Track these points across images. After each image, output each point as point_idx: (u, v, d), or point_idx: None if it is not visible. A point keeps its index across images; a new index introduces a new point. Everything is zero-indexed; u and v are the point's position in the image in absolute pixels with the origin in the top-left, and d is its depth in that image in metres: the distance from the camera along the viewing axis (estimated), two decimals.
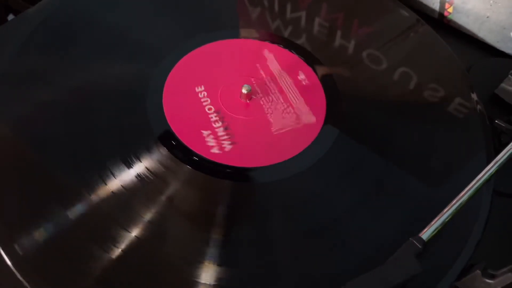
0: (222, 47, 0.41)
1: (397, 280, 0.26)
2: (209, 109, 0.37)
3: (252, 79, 0.39)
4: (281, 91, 0.38)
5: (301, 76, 0.39)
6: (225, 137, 0.35)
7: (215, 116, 0.36)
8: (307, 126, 0.36)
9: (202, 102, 0.37)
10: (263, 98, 0.38)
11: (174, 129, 0.35)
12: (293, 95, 0.38)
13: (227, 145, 0.35)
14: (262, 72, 0.39)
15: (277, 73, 0.39)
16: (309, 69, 0.40)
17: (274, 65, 0.40)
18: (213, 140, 0.35)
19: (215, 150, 0.34)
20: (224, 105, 0.37)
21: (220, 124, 0.36)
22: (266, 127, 0.36)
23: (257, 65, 0.40)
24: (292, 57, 0.40)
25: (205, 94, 0.37)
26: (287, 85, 0.39)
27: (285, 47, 0.41)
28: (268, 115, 0.37)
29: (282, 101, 0.38)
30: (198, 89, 0.38)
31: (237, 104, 0.37)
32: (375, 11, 0.45)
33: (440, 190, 0.34)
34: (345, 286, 0.26)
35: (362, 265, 0.28)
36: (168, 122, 0.35)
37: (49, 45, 0.39)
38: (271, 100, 0.38)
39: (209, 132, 0.35)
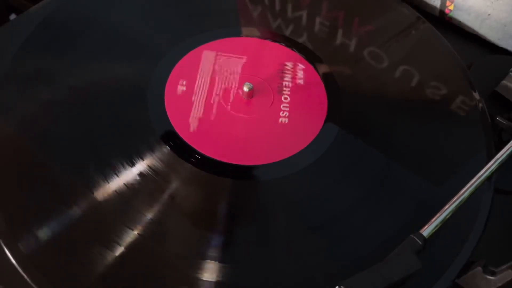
0: (223, 45, 0.41)
1: (397, 276, 0.26)
2: (211, 107, 0.37)
3: (254, 77, 0.39)
4: (283, 90, 0.38)
5: (302, 76, 0.39)
6: (226, 134, 0.35)
7: (217, 114, 0.36)
8: (307, 125, 0.36)
9: (204, 100, 0.37)
10: (264, 97, 0.38)
11: (176, 127, 0.35)
12: (294, 94, 0.38)
13: (227, 142, 0.35)
14: (264, 71, 0.39)
15: (279, 72, 0.39)
16: (311, 67, 0.40)
17: (275, 64, 0.40)
18: (214, 137, 0.35)
19: (216, 147, 0.34)
20: (225, 103, 0.37)
21: (221, 121, 0.36)
22: (267, 125, 0.36)
23: (259, 63, 0.40)
24: (294, 55, 0.41)
25: (207, 92, 0.38)
26: (288, 84, 0.39)
27: (287, 45, 0.41)
28: (269, 113, 0.37)
29: (283, 101, 0.38)
30: (199, 87, 0.38)
31: (239, 102, 0.37)
32: (376, 9, 0.45)
33: (440, 187, 0.34)
34: (345, 282, 0.26)
35: (363, 261, 0.28)
36: (170, 120, 0.36)
37: (51, 44, 0.39)
38: (272, 99, 0.38)
39: (210, 128, 0.35)
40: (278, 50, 0.41)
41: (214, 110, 0.37)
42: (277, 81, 0.39)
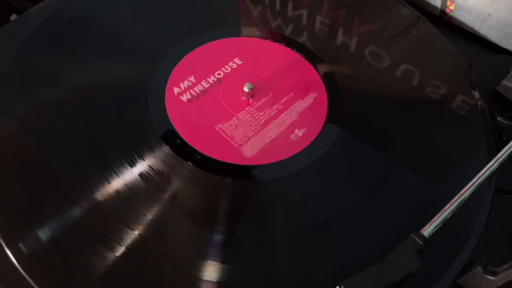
0: (223, 45, 0.41)
1: (397, 276, 0.26)
2: (211, 107, 0.37)
3: (254, 77, 0.39)
4: (282, 90, 0.38)
5: (302, 75, 0.39)
6: (227, 134, 0.35)
7: (217, 114, 0.36)
8: (306, 126, 0.36)
9: (204, 100, 0.37)
10: (264, 97, 0.38)
11: (177, 127, 0.35)
12: (294, 95, 0.38)
13: (228, 142, 0.35)
14: (264, 71, 0.39)
15: (279, 72, 0.39)
16: (311, 67, 0.40)
17: (276, 64, 0.40)
18: (214, 137, 0.35)
19: (216, 146, 0.34)
20: (226, 103, 0.37)
21: (221, 121, 0.36)
22: (268, 125, 0.36)
23: (259, 63, 0.40)
24: (294, 55, 0.41)
25: (207, 92, 0.38)
26: (288, 84, 0.39)
27: (287, 45, 0.41)
28: (269, 114, 0.37)
29: (283, 101, 0.38)
30: (200, 87, 0.38)
31: (239, 102, 0.37)
32: (376, 8, 0.45)
33: (441, 187, 0.34)
34: (345, 282, 0.26)
35: (363, 261, 0.28)
36: (171, 120, 0.36)
37: (51, 45, 0.39)
38: (272, 99, 0.38)
39: (210, 128, 0.35)
40: (278, 50, 0.41)
41: (215, 110, 0.37)
42: (280, 83, 0.39)
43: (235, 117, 0.36)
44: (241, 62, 0.40)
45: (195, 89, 0.38)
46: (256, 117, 0.37)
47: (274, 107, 0.37)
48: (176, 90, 0.37)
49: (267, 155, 0.34)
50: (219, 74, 0.39)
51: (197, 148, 0.34)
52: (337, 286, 0.26)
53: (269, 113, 0.37)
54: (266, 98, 0.38)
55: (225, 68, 0.39)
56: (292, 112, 0.37)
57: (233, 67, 0.39)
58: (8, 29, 0.40)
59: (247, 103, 0.37)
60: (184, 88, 0.38)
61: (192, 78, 0.38)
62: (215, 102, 0.37)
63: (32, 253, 0.29)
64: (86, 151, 0.34)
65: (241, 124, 0.36)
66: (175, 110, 0.36)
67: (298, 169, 0.34)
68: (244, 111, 0.37)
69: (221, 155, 0.34)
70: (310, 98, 0.37)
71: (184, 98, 0.37)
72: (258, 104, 0.37)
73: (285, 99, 0.38)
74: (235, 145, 0.35)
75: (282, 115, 0.37)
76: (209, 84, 0.38)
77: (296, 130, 0.36)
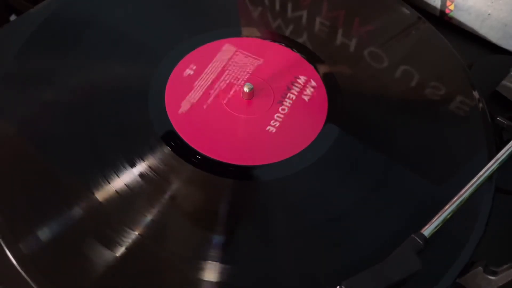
0: (223, 45, 0.41)
1: (398, 276, 0.26)
2: (211, 107, 0.37)
3: (254, 78, 0.39)
4: (282, 90, 0.38)
5: (303, 76, 0.39)
6: (226, 134, 0.35)
7: (217, 114, 0.36)
8: (306, 126, 0.36)
9: (204, 100, 0.37)
10: (265, 97, 0.38)
11: (177, 128, 0.35)
12: (294, 95, 0.38)
13: (228, 143, 0.35)
14: (264, 71, 0.39)
15: (278, 72, 0.39)
16: (311, 67, 0.40)
17: (277, 65, 0.40)
18: (214, 137, 0.35)
19: (216, 147, 0.34)
20: (226, 103, 0.37)
21: (221, 122, 0.36)
22: (267, 126, 0.36)
23: (260, 64, 0.40)
24: (294, 56, 0.41)
25: (207, 91, 0.38)
26: (288, 84, 0.39)
27: (287, 45, 0.41)
28: (269, 114, 0.37)
29: (283, 102, 0.38)
30: (200, 87, 0.38)
31: (239, 102, 0.37)
32: (376, 9, 0.45)
33: (441, 187, 0.34)
34: (346, 282, 0.26)
35: (364, 262, 0.28)
36: (171, 121, 0.36)
37: (51, 45, 0.39)
38: (272, 99, 0.38)
39: (210, 129, 0.35)
40: (278, 50, 0.41)
41: (215, 109, 0.37)
42: (281, 84, 0.39)
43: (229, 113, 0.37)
44: (241, 62, 0.40)
45: (196, 88, 0.38)
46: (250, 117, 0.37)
47: (271, 110, 0.37)
48: (176, 89, 0.37)
49: (268, 155, 0.34)
50: (219, 74, 0.39)
51: (197, 149, 0.34)
52: (338, 286, 0.26)
53: (263, 116, 0.37)
54: (265, 101, 0.38)
55: (226, 69, 0.39)
56: (286, 120, 0.37)
57: (234, 67, 0.39)
58: (8, 30, 0.40)
59: (245, 103, 0.37)
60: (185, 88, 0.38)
61: (192, 78, 0.38)
62: (215, 103, 0.37)
63: (31, 254, 0.29)
64: (86, 151, 0.34)
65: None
66: (175, 111, 0.36)
67: (298, 169, 0.34)
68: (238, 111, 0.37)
69: (221, 155, 0.34)
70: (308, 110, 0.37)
71: (184, 98, 0.37)
72: (256, 105, 0.37)
73: (283, 106, 0.37)
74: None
75: (275, 120, 0.37)
76: (209, 84, 0.38)
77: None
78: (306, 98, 0.38)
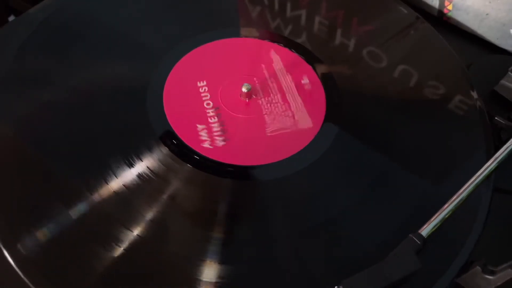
0: (222, 46, 0.41)
1: (396, 276, 0.26)
2: (208, 104, 0.37)
3: (253, 78, 0.39)
4: (281, 91, 0.38)
5: (302, 76, 0.39)
6: (219, 133, 0.35)
7: (212, 112, 0.36)
8: (303, 128, 0.36)
9: (202, 99, 0.37)
10: (263, 98, 0.38)
11: (175, 128, 0.35)
12: (293, 95, 0.38)
13: (219, 141, 0.35)
14: (263, 72, 0.39)
15: (278, 73, 0.39)
16: (309, 67, 0.40)
17: (276, 65, 0.40)
18: (206, 135, 0.35)
19: (206, 145, 0.34)
20: (224, 103, 0.37)
21: (216, 119, 0.36)
22: (266, 126, 0.36)
23: (258, 64, 0.40)
24: (293, 56, 0.41)
25: (206, 89, 0.38)
26: (287, 85, 0.39)
27: (286, 46, 0.41)
28: (267, 115, 0.37)
29: (282, 102, 0.38)
30: (199, 84, 0.38)
31: (237, 102, 0.37)
32: (374, 9, 0.45)
33: (440, 186, 0.34)
34: (345, 282, 0.26)
35: (362, 262, 0.28)
36: (169, 121, 0.36)
37: (50, 45, 0.39)
38: (270, 100, 0.38)
39: (203, 126, 0.35)
40: (277, 51, 0.41)
41: (211, 108, 0.37)
42: (279, 83, 0.39)
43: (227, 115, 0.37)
44: (239, 63, 0.40)
45: (195, 86, 0.38)
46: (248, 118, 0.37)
47: (269, 111, 0.37)
48: (174, 90, 0.37)
49: (266, 155, 0.34)
50: (218, 74, 0.39)
51: (196, 149, 0.34)
52: (336, 286, 0.26)
53: (261, 116, 0.37)
54: (263, 101, 0.38)
55: (224, 69, 0.39)
56: (285, 120, 0.37)
57: (232, 67, 0.39)
58: (7, 30, 0.40)
59: (243, 103, 0.37)
60: (183, 88, 0.38)
61: (191, 77, 0.38)
62: (214, 103, 0.37)
63: (30, 255, 0.29)
64: (85, 151, 0.34)
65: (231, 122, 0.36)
66: (174, 110, 0.36)
67: (297, 169, 0.34)
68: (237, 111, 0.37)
69: (220, 155, 0.34)
70: (308, 110, 0.37)
71: (183, 98, 0.37)
72: (254, 105, 0.37)
73: (282, 106, 0.37)
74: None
75: (273, 120, 0.37)
76: (208, 83, 0.38)
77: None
78: (304, 98, 0.38)
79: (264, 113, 0.37)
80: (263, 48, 0.41)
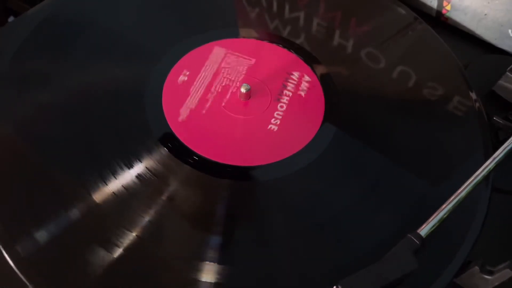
0: (221, 47, 0.41)
1: (393, 276, 0.26)
2: (208, 108, 0.37)
3: (252, 79, 0.39)
4: (280, 91, 0.38)
5: (303, 76, 0.39)
6: (223, 135, 0.35)
7: (214, 115, 0.36)
8: (305, 126, 0.36)
9: (201, 101, 0.37)
10: (262, 98, 0.38)
11: (174, 129, 0.35)
12: (292, 95, 0.38)
13: (225, 143, 0.35)
14: (261, 72, 0.39)
15: (276, 73, 0.39)
16: (308, 68, 0.40)
17: (274, 65, 0.40)
18: (211, 138, 0.35)
19: (213, 148, 0.34)
20: (223, 104, 0.37)
21: (218, 122, 0.36)
22: (265, 126, 0.36)
23: (257, 64, 0.40)
24: (291, 57, 0.41)
25: (204, 93, 0.38)
26: (286, 85, 0.39)
27: (284, 46, 0.41)
28: (267, 114, 0.37)
29: (281, 101, 0.38)
30: (197, 89, 0.38)
31: (236, 103, 0.37)
32: (373, 9, 0.45)
33: (438, 186, 0.34)
34: (342, 282, 0.26)
35: (361, 261, 0.28)
36: (168, 122, 0.36)
37: (48, 47, 0.39)
38: (270, 100, 0.38)
39: (207, 130, 0.35)
40: (275, 51, 0.41)
41: (212, 111, 0.37)
42: (277, 83, 0.39)
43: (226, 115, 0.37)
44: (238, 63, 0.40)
45: (194, 83, 0.38)
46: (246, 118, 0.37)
47: (268, 111, 0.37)
48: (173, 91, 0.37)
49: (265, 156, 0.35)
50: (217, 75, 0.39)
51: (195, 150, 0.34)
52: (334, 285, 0.26)
53: (260, 117, 0.37)
54: (262, 102, 0.38)
55: (224, 69, 0.39)
56: (284, 121, 0.37)
57: (232, 68, 0.40)
58: (6, 31, 0.40)
59: (242, 103, 0.37)
60: (182, 89, 0.38)
61: (189, 79, 0.38)
62: (212, 104, 0.37)
63: (29, 256, 0.29)
64: (84, 152, 0.34)
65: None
66: (172, 112, 0.36)
67: (295, 169, 0.34)
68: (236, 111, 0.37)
69: (219, 156, 0.34)
70: (306, 111, 0.37)
71: (181, 99, 0.37)
72: (253, 106, 0.37)
73: (281, 107, 0.37)
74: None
75: (272, 121, 0.37)
76: (206, 85, 0.38)
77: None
78: (303, 98, 0.38)
79: (263, 113, 0.37)
80: (262, 48, 0.41)
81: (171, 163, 0.34)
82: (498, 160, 0.33)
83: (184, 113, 0.36)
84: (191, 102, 0.37)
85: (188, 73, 0.38)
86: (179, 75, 0.38)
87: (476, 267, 0.30)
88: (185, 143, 0.35)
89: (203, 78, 0.38)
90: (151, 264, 0.30)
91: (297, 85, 0.39)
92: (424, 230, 0.29)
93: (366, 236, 0.32)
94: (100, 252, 0.30)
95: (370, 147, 0.36)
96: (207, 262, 0.30)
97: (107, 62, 0.39)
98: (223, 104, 0.37)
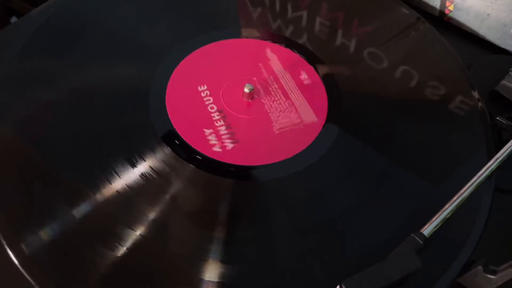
0: (224, 47, 0.41)
1: (397, 275, 0.26)
2: (212, 108, 0.37)
3: (255, 79, 0.39)
4: (283, 90, 0.38)
5: (303, 76, 0.39)
6: (227, 135, 0.35)
7: (217, 115, 0.37)
8: (308, 125, 0.36)
9: (204, 101, 0.37)
10: (265, 97, 0.38)
11: (177, 128, 0.35)
12: (295, 95, 0.38)
13: (228, 144, 0.35)
14: (264, 72, 0.39)
15: (279, 73, 0.40)
16: (311, 68, 0.40)
17: (276, 65, 0.40)
18: (215, 139, 0.35)
19: (216, 149, 0.35)
20: (227, 104, 0.37)
21: (222, 123, 0.36)
22: (268, 126, 0.36)
23: (259, 64, 0.40)
24: (294, 56, 0.41)
25: (208, 93, 0.38)
26: (289, 84, 0.39)
27: (287, 46, 0.41)
28: (270, 114, 0.37)
29: (284, 100, 0.38)
30: (200, 88, 0.38)
31: (240, 103, 0.37)
32: (375, 9, 0.45)
33: (441, 186, 0.34)
34: (346, 281, 0.26)
35: (364, 261, 0.28)
36: (171, 121, 0.36)
37: (52, 47, 0.39)
38: (273, 99, 0.38)
39: (211, 130, 0.36)
40: (278, 51, 0.41)
41: (216, 111, 0.37)
42: (279, 82, 0.39)
43: (228, 115, 0.37)
44: (241, 63, 0.40)
45: (196, 89, 0.38)
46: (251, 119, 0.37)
47: (271, 111, 0.37)
48: (176, 91, 0.37)
49: (268, 155, 0.35)
50: (220, 75, 0.39)
51: (198, 149, 0.34)
52: (338, 285, 0.26)
53: (262, 117, 0.37)
54: (265, 101, 0.38)
55: (226, 69, 0.39)
56: (286, 121, 0.37)
57: (234, 68, 0.40)
58: (9, 31, 0.40)
59: (245, 104, 0.37)
60: (185, 89, 0.38)
61: (193, 79, 0.38)
62: (215, 103, 0.37)
63: (33, 254, 0.29)
64: (88, 152, 0.34)
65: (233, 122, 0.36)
66: (176, 111, 0.36)
67: (298, 169, 0.34)
68: (239, 111, 0.37)
69: (222, 156, 0.34)
70: (309, 111, 0.37)
71: (185, 99, 0.37)
72: (256, 106, 0.37)
73: (283, 107, 0.38)
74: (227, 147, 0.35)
75: (275, 121, 0.37)
76: (209, 85, 0.38)
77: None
78: (306, 98, 0.38)
79: (267, 112, 0.37)
80: (264, 48, 0.41)
81: (175, 162, 0.34)
82: (501, 160, 0.33)
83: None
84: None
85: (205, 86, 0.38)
86: (183, 75, 0.39)
87: (479, 267, 0.30)
88: (189, 142, 0.35)
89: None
90: (155, 262, 0.30)
91: (300, 85, 0.39)
92: (427, 229, 0.29)
93: (370, 235, 0.32)
94: (104, 250, 0.30)
95: (373, 147, 0.36)
96: (210, 261, 0.30)
97: (110, 62, 0.39)
98: (227, 104, 0.37)
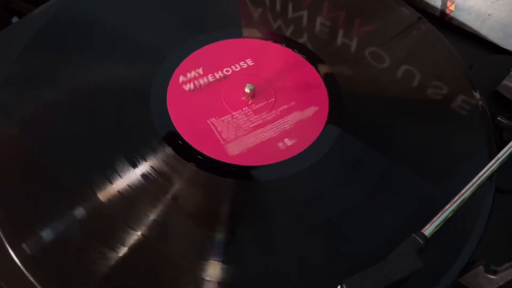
0: (224, 46, 0.41)
1: (398, 275, 0.26)
2: (213, 108, 0.37)
3: (255, 79, 0.39)
4: (283, 90, 0.38)
5: (304, 75, 0.39)
6: (227, 135, 0.35)
7: (218, 115, 0.37)
8: (308, 125, 0.36)
9: (205, 99, 0.37)
10: (265, 98, 0.38)
11: (179, 128, 0.35)
12: (296, 95, 0.38)
13: (229, 143, 0.35)
14: (264, 72, 0.39)
15: (279, 72, 0.39)
16: (312, 68, 0.40)
17: (277, 65, 0.40)
18: (216, 138, 0.35)
19: (217, 148, 0.35)
20: (227, 104, 0.37)
21: (223, 122, 0.36)
22: (269, 126, 0.36)
23: (260, 64, 0.40)
24: (294, 56, 0.41)
25: (209, 90, 0.38)
26: (289, 84, 0.39)
27: (287, 46, 0.41)
28: (270, 114, 0.37)
29: (285, 101, 0.38)
30: (202, 84, 0.38)
31: (240, 103, 0.37)
32: (376, 9, 0.45)
33: (442, 186, 0.34)
34: (347, 281, 0.26)
35: (365, 261, 0.28)
36: (173, 121, 0.36)
37: (53, 47, 0.39)
38: (273, 99, 0.38)
39: (212, 130, 0.36)
40: (279, 51, 0.41)
41: (216, 111, 0.37)
42: (281, 83, 0.39)
43: (229, 115, 0.37)
44: (241, 63, 0.40)
45: (199, 80, 0.38)
46: (251, 119, 0.37)
47: (272, 112, 0.37)
48: (177, 90, 0.38)
49: (269, 156, 0.35)
50: (218, 75, 0.39)
51: (199, 149, 0.34)
52: (339, 285, 0.26)
53: (264, 118, 0.37)
54: (266, 102, 0.38)
55: (224, 70, 0.39)
56: (287, 121, 0.37)
57: (231, 69, 0.40)
58: (10, 32, 0.40)
59: (246, 104, 0.37)
60: (190, 78, 0.38)
61: (200, 70, 0.38)
62: (215, 99, 0.37)
63: (35, 254, 0.29)
64: (89, 152, 0.34)
65: (233, 122, 0.36)
66: (177, 111, 0.36)
67: (299, 169, 0.34)
68: (240, 111, 0.37)
69: (223, 155, 0.34)
70: (309, 111, 0.37)
71: (186, 99, 0.37)
72: (257, 106, 0.37)
73: (284, 106, 0.38)
74: (221, 142, 0.35)
75: (276, 122, 0.37)
76: (210, 85, 0.38)
77: (286, 140, 0.36)
78: (307, 98, 0.38)
79: (268, 112, 0.37)
80: (265, 48, 0.41)
81: (176, 162, 0.34)
82: (502, 161, 0.33)
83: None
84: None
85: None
86: (183, 74, 0.39)
87: (481, 267, 0.30)
88: (190, 142, 0.35)
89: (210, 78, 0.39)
90: (156, 263, 0.30)
91: (300, 85, 0.39)
92: (428, 230, 0.29)
93: (371, 235, 0.32)
94: (105, 250, 0.30)
95: (374, 147, 0.36)
96: (211, 261, 0.30)
97: (111, 62, 0.39)
98: (228, 104, 0.37)
